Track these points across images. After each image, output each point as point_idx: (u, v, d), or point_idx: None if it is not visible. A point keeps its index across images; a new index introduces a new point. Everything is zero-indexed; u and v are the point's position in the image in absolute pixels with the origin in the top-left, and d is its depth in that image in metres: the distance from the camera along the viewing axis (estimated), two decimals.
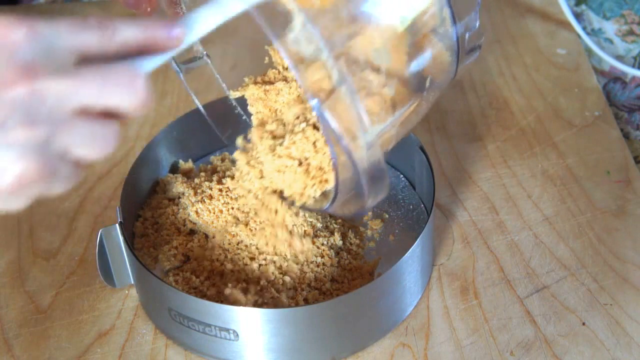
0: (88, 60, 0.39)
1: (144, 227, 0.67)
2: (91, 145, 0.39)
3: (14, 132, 0.37)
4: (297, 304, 0.59)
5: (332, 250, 0.61)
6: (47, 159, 0.38)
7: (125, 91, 0.38)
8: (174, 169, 0.72)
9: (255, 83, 0.62)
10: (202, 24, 0.41)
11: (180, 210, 0.66)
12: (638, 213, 0.71)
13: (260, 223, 0.61)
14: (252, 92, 0.61)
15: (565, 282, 0.65)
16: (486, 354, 0.60)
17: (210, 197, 0.66)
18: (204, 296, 0.60)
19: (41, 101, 0.37)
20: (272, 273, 0.60)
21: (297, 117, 0.55)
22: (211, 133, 0.71)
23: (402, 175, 0.71)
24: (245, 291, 0.59)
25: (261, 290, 0.59)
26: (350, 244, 0.63)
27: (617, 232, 0.69)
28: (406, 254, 0.59)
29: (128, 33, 0.39)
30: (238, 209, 0.65)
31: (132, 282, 0.64)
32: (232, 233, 0.62)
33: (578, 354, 0.60)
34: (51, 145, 0.38)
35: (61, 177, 0.40)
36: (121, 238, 0.61)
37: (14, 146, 0.37)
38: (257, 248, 0.61)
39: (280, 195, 0.57)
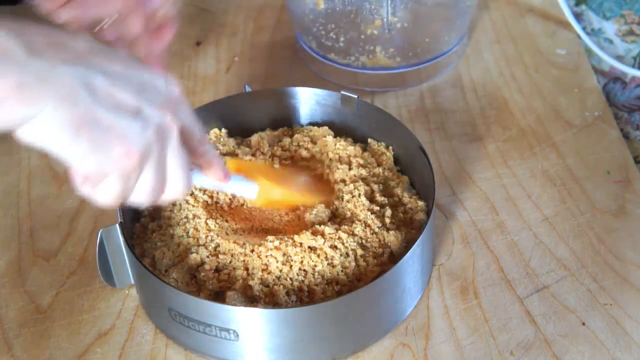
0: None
1: (144, 227, 0.67)
2: (152, 183, 0.48)
3: (145, 126, 0.45)
4: (297, 304, 0.59)
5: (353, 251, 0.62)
6: (139, 159, 0.45)
7: (182, 180, 0.49)
8: None
9: None
10: (235, 187, 0.60)
11: (180, 210, 0.66)
12: (638, 213, 0.71)
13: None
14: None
15: (565, 282, 0.65)
16: (486, 354, 0.60)
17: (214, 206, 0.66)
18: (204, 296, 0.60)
19: (168, 131, 0.47)
20: (277, 268, 0.60)
21: None
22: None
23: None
24: (247, 295, 0.59)
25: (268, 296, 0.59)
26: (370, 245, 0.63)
27: (617, 232, 0.69)
28: (406, 254, 0.59)
29: (210, 154, 0.54)
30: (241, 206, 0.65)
31: (132, 282, 0.64)
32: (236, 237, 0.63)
33: (578, 354, 0.60)
34: (147, 156, 0.46)
35: (125, 186, 0.46)
36: (121, 238, 0.61)
37: (139, 131, 0.45)
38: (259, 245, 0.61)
39: None
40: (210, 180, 0.55)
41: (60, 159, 0.44)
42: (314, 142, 0.72)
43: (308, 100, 0.74)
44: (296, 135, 0.73)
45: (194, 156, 0.52)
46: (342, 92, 0.72)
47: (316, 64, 0.89)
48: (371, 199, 0.66)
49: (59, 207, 0.73)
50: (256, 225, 0.65)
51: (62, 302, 0.65)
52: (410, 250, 0.59)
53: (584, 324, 0.62)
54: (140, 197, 0.48)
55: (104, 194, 0.46)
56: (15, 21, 0.42)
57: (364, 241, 0.62)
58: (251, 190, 0.61)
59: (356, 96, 0.72)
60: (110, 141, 0.43)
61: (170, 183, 0.49)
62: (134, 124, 0.44)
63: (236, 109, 0.74)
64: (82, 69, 0.43)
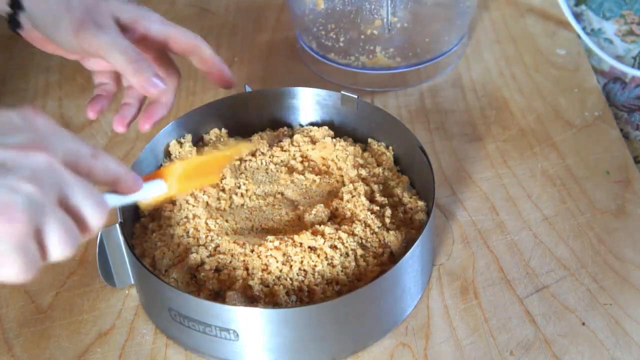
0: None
1: (144, 227, 0.67)
2: (60, 233, 0.42)
3: (18, 180, 0.40)
4: (297, 304, 0.59)
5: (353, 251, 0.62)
6: (29, 219, 0.40)
7: (95, 209, 0.44)
8: None
9: None
10: (147, 193, 0.53)
11: (180, 210, 0.66)
12: (638, 213, 0.71)
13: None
14: None
15: (565, 282, 0.65)
16: (486, 354, 0.60)
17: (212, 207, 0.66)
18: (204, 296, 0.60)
19: (49, 171, 0.42)
20: (277, 268, 0.60)
21: None
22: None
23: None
24: (247, 295, 0.59)
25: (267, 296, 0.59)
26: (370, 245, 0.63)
27: (617, 232, 0.69)
28: (406, 254, 0.59)
29: (111, 167, 0.48)
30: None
31: (132, 282, 0.64)
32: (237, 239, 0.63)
33: (578, 354, 0.60)
34: (37, 211, 0.40)
35: (26, 253, 0.40)
36: (121, 238, 0.61)
37: (12, 190, 0.40)
38: (259, 245, 0.61)
39: None
40: (120, 196, 0.51)
41: None
42: (313, 142, 0.72)
43: (308, 100, 0.74)
44: (296, 136, 0.73)
45: (94, 177, 0.46)
46: (342, 92, 0.72)
47: (316, 64, 0.89)
48: (371, 199, 0.66)
49: None
50: (256, 225, 0.65)
51: (62, 302, 0.65)
52: (410, 250, 0.59)
53: (583, 323, 0.62)
54: (60, 251, 0.42)
55: (8, 271, 0.40)
56: None
57: (363, 241, 0.62)
58: (159, 186, 0.55)
59: (356, 96, 0.72)
60: None
61: (85, 218, 0.44)
62: (3, 183, 0.39)
63: (236, 109, 0.74)
64: None
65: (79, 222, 0.44)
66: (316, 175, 0.69)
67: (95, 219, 0.44)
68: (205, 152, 0.63)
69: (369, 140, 0.73)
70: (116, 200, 0.51)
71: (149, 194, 0.54)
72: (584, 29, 0.95)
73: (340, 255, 0.60)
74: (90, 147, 0.46)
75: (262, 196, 0.68)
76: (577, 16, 0.98)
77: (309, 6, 0.86)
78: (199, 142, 0.73)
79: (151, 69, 0.59)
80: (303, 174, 0.69)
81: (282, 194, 0.68)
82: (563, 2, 0.92)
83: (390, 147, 0.72)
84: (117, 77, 0.67)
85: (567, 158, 0.77)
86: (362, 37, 0.85)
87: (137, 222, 0.67)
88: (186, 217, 0.65)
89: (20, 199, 0.39)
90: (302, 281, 0.59)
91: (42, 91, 0.88)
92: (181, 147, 0.70)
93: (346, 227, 0.63)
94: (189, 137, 0.71)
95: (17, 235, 0.39)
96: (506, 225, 0.70)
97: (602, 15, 0.99)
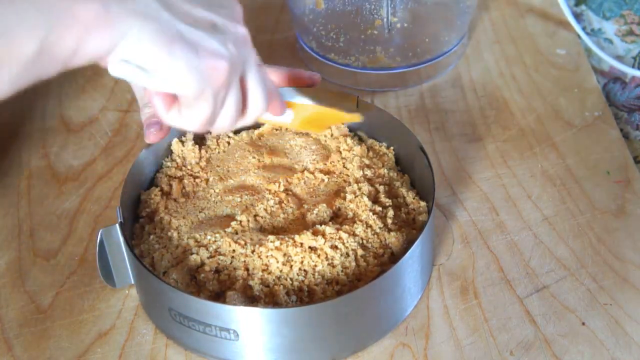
0: None
1: (143, 227, 0.67)
2: (232, 104, 0.47)
3: (226, 40, 0.46)
4: (297, 304, 0.59)
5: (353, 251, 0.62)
6: (229, 73, 0.45)
7: (262, 96, 0.50)
8: None
9: None
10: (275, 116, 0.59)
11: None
12: (638, 213, 0.71)
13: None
14: None
15: (565, 282, 0.65)
16: (486, 354, 0.60)
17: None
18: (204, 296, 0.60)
19: (245, 44, 0.48)
20: (277, 268, 0.60)
21: None
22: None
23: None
24: (247, 295, 0.59)
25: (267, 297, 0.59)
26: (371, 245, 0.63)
27: (617, 232, 0.69)
28: (406, 254, 0.59)
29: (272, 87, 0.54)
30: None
31: (132, 282, 0.64)
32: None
33: (578, 354, 0.60)
34: (234, 70, 0.46)
35: (215, 103, 0.46)
36: (121, 238, 0.61)
37: (221, 43, 0.45)
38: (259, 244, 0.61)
39: None
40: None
41: (151, 85, 0.44)
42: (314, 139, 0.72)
43: (308, 101, 0.74)
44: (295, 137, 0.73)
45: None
46: (343, 92, 0.72)
47: (316, 64, 0.89)
48: (375, 199, 0.66)
49: (59, 207, 0.73)
50: (261, 223, 0.65)
51: (62, 302, 0.65)
52: (410, 250, 0.59)
53: (583, 323, 0.62)
54: (225, 121, 0.47)
55: (193, 117, 0.46)
56: None
57: (364, 241, 0.62)
58: (288, 116, 0.61)
59: (356, 96, 0.72)
60: (200, 56, 0.44)
61: (252, 101, 0.48)
62: (215, 39, 0.45)
63: None
64: None
65: (245, 101, 0.49)
66: (325, 174, 0.69)
67: (257, 106, 0.49)
68: (326, 106, 0.66)
69: (370, 140, 0.73)
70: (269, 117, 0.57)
71: (276, 117, 0.59)
72: (584, 29, 0.95)
73: (341, 255, 0.60)
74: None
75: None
76: (577, 16, 0.98)
77: (309, 6, 0.86)
78: (200, 141, 0.73)
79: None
80: (313, 173, 0.69)
81: (291, 192, 0.68)
82: (563, 2, 0.92)
83: (392, 148, 0.72)
84: None
85: (567, 158, 0.77)
86: (362, 37, 0.85)
87: (136, 223, 0.67)
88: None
89: (225, 53, 0.45)
90: (302, 281, 0.59)
91: (42, 91, 0.88)
92: (183, 145, 0.70)
93: (347, 227, 0.63)
94: (190, 135, 0.71)
95: (217, 82, 0.45)
96: (506, 225, 0.70)
97: (602, 15, 0.99)
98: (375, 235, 0.63)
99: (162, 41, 0.42)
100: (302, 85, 0.71)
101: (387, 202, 0.66)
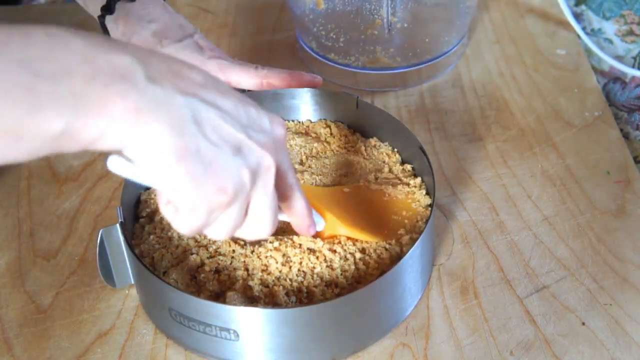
0: None
1: (143, 228, 0.67)
2: (229, 225, 0.47)
3: (244, 166, 0.45)
4: (297, 304, 0.59)
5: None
6: (231, 198, 0.45)
7: (268, 226, 0.50)
8: None
9: None
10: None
11: None
12: (638, 213, 0.71)
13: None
14: None
15: (565, 282, 0.65)
16: (486, 354, 0.60)
17: None
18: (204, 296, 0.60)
19: (266, 173, 0.47)
20: (276, 268, 0.60)
21: None
22: None
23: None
24: (247, 295, 0.59)
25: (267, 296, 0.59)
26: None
27: (617, 232, 0.69)
28: (406, 254, 0.59)
29: (298, 203, 0.54)
30: None
31: (132, 282, 0.64)
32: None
33: (578, 354, 0.60)
34: (239, 197, 0.46)
35: (206, 218, 0.46)
36: (121, 238, 0.61)
37: (236, 167, 0.45)
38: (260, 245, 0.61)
39: None
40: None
41: (154, 184, 0.44)
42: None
43: (308, 100, 0.74)
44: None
45: (280, 200, 0.52)
46: (343, 92, 0.72)
47: (316, 64, 0.89)
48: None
49: (59, 207, 0.73)
50: None
51: (62, 302, 0.65)
52: (410, 250, 0.59)
53: (583, 323, 0.62)
54: (219, 233, 0.47)
55: (185, 222, 0.46)
56: (139, 49, 0.43)
57: (364, 244, 0.62)
58: (319, 224, 0.61)
59: (356, 96, 0.72)
60: (208, 176, 0.43)
61: (256, 223, 0.48)
62: (233, 161, 0.44)
63: None
64: (194, 101, 0.43)
65: (246, 222, 0.48)
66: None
67: (262, 228, 0.49)
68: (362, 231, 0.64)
69: (371, 140, 0.73)
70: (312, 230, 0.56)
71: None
72: (584, 29, 0.95)
73: (340, 258, 0.60)
74: (294, 177, 0.52)
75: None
76: (577, 16, 0.98)
77: (309, 6, 0.86)
78: None
79: None
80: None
81: None
82: (563, 2, 0.92)
83: (396, 150, 0.72)
84: None
85: (567, 158, 0.77)
86: (362, 37, 0.85)
87: (136, 223, 0.67)
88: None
89: (236, 179, 0.45)
90: (302, 282, 0.59)
91: None
92: None
93: None
94: None
95: (215, 204, 0.45)
96: (506, 225, 0.70)
97: (602, 15, 0.99)
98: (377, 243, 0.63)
99: (174, 153, 0.42)
100: (303, 86, 0.71)
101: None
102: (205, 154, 0.43)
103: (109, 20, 0.71)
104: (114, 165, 0.44)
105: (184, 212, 0.45)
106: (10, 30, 0.39)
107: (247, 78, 0.71)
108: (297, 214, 0.54)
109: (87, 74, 0.40)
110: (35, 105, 0.38)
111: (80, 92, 0.39)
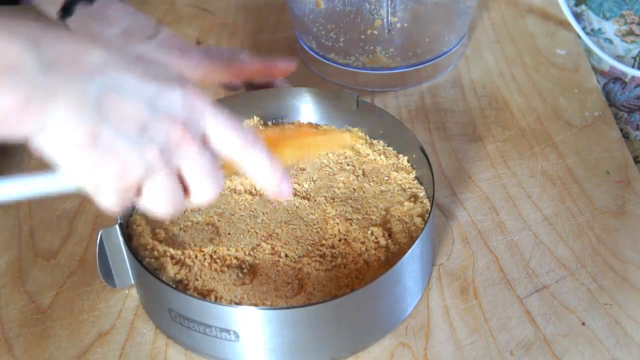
0: None
1: (143, 228, 0.67)
2: (163, 195, 0.46)
3: (148, 144, 0.44)
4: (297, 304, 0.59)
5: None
6: (136, 178, 0.44)
7: (210, 186, 0.48)
8: None
9: None
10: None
11: None
12: (638, 213, 0.71)
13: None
14: None
15: (565, 282, 0.65)
16: (486, 354, 0.60)
17: None
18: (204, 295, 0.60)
19: (177, 146, 0.45)
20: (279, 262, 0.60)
21: None
22: None
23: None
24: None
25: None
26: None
27: (617, 232, 0.69)
28: (406, 254, 0.59)
29: (261, 157, 0.50)
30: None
31: (132, 282, 0.64)
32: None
33: (578, 354, 0.60)
34: (147, 174, 0.45)
35: (165, 194, 0.46)
36: (121, 239, 0.61)
37: (139, 150, 0.44)
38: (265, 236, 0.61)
39: None
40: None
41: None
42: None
43: (308, 100, 0.74)
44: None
45: (236, 160, 0.49)
46: (343, 92, 0.72)
47: (316, 64, 0.89)
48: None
49: (59, 207, 0.73)
50: (285, 218, 0.65)
51: (62, 302, 0.65)
52: (410, 250, 0.59)
53: (583, 323, 0.62)
54: (158, 207, 0.47)
55: (102, 202, 0.46)
56: (35, 30, 0.41)
57: (367, 241, 0.62)
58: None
59: (356, 96, 0.72)
60: (107, 163, 0.43)
61: (196, 190, 0.48)
62: (137, 143, 0.44)
63: (236, 109, 0.74)
64: (93, 84, 0.42)
65: (185, 192, 0.47)
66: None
67: (205, 193, 0.48)
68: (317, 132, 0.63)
69: (372, 140, 0.73)
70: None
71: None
72: (584, 29, 0.95)
73: (340, 257, 0.61)
74: (243, 132, 0.49)
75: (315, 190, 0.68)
76: (577, 16, 0.98)
77: (309, 6, 0.86)
78: None
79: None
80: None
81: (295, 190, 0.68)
82: (563, 2, 0.92)
83: (396, 150, 0.72)
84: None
85: (567, 158, 0.77)
86: (362, 37, 0.85)
87: (136, 224, 0.67)
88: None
89: (139, 162, 0.44)
90: (302, 280, 0.59)
91: None
92: None
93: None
94: None
95: (120, 187, 0.44)
96: (506, 225, 0.70)
97: (602, 15, 0.99)
98: (377, 238, 0.63)
99: (73, 143, 0.42)
100: (278, 76, 0.70)
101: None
102: (106, 140, 0.43)
103: (68, 23, 0.70)
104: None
105: (98, 195, 0.46)
106: None
107: (219, 76, 0.71)
108: (259, 171, 0.50)
109: None
110: None
111: None
